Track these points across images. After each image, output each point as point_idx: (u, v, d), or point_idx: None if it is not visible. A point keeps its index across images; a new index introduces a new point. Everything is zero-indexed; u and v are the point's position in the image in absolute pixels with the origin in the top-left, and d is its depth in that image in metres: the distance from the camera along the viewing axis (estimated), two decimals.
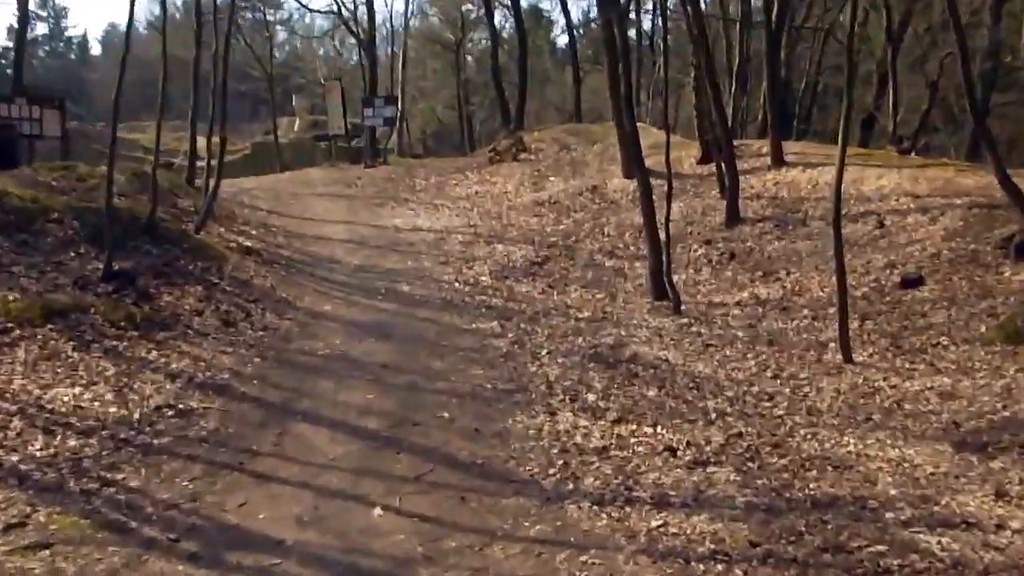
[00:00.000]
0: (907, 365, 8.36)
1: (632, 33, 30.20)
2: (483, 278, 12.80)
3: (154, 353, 8.07)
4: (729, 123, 17.45)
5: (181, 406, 6.79)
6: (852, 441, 6.23)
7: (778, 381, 8.11)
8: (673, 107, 35.96)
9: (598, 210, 17.53)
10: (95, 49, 69.51)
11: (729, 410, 7.07)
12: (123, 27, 42.76)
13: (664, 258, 11.60)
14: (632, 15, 30.65)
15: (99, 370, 7.39)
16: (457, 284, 12.29)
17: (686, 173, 18.08)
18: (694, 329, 10.24)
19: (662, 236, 11.79)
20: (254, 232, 14.73)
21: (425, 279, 12.50)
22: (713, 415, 6.90)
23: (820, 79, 28.05)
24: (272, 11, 45.17)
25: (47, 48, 69.98)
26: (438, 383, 7.74)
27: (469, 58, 45.49)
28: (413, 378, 7.91)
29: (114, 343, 8.07)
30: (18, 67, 21.86)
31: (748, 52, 20.65)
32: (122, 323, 8.42)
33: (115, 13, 77.54)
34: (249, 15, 42.26)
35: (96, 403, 6.67)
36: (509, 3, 37.86)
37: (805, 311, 10.65)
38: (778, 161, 16.41)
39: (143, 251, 10.47)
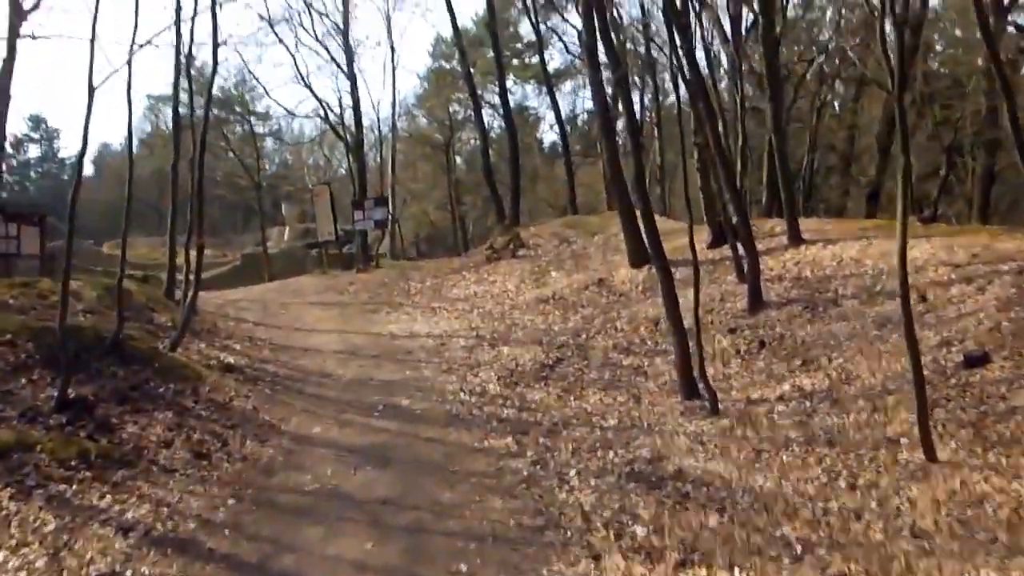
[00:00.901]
0: (1003, 460, 7.04)
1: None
2: (491, 386, 11.51)
3: (108, 499, 6.73)
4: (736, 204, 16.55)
5: (129, 573, 5.40)
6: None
7: (857, 493, 6.76)
8: (668, 193, 35.69)
9: (607, 304, 16.44)
10: (88, 169, 69.87)
11: (815, 538, 5.71)
12: (115, 147, 42.74)
13: (695, 351, 10.39)
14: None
15: (36, 525, 6.05)
16: (463, 394, 11.00)
17: (697, 259, 17.10)
18: (738, 432, 8.91)
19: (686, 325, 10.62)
20: (237, 347, 13.51)
21: (426, 391, 11.21)
22: (798, 547, 5.53)
23: (816, 156, 27.65)
24: (260, 122, 45.26)
25: (39, 169, 70.44)
26: (449, 522, 6.38)
27: (458, 159, 45.53)
28: (419, 516, 6.54)
29: (61, 488, 6.74)
30: None
31: (746, 132, 20.06)
32: (73, 462, 7.12)
33: (107, 134, 78.69)
34: (239, 128, 42.17)
35: (22, 574, 5.29)
36: (498, 102, 38.17)
37: (860, 402, 9.34)
38: (796, 239, 15.45)
39: (107, 374, 9.22)
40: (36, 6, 18.07)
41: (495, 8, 31.48)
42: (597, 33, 14.16)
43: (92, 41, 8.50)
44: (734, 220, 14.52)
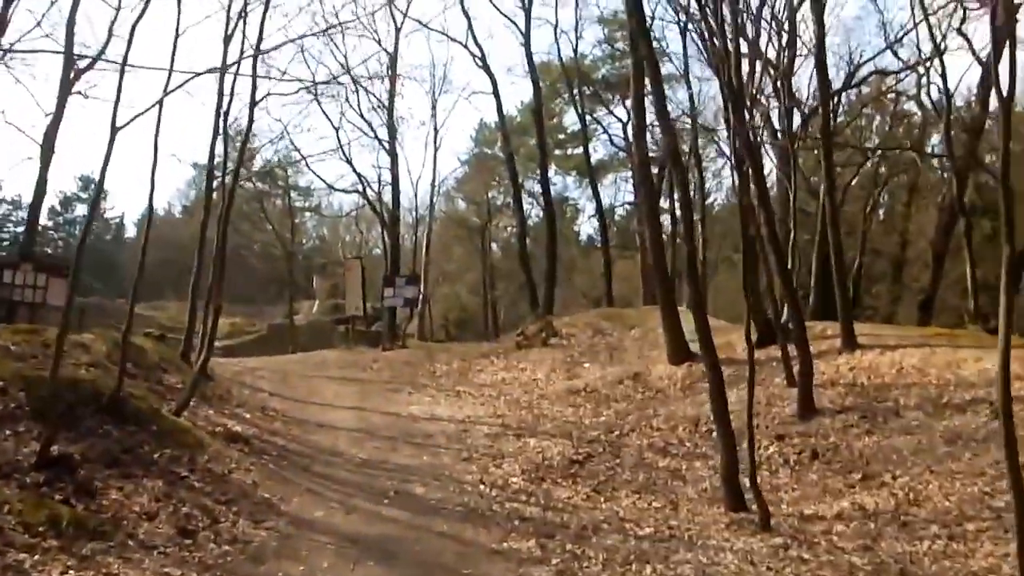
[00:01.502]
0: None
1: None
2: (514, 479, 10.52)
3: (70, 575, 5.85)
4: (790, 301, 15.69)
5: None
6: None
7: None
8: (705, 290, 34.78)
9: (642, 400, 15.47)
10: (131, 231, 71.15)
11: None
12: (159, 211, 43.21)
13: (741, 456, 9.40)
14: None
15: None
16: (482, 487, 10.01)
17: (740, 359, 16.16)
18: (793, 553, 7.81)
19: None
20: (248, 416, 12.72)
21: (443, 479, 10.25)
22: None
23: (864, 261, 26.82)
24: (301, 197, 45.67)
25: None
26: None
27: (494, 245, 45.33)
28: None
29: (21, 557, 5.89)
30: (29, 234, 20.93)
31: (796, 230, 19.32)
32: (41, 528, 6.29)
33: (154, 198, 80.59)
34: (278, 201, 42.56)
35: None
36: (538, 190, 38.15)
37: (934, 528, 8.22)
38: (850, 343, 14.46)
39: (100, 433, 8.43)
40: (91, 66, 18.22)
41: (541, 97, 31.70)
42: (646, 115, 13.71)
43: (121, 77, 8.09)
44: (783, 318, 13.66)
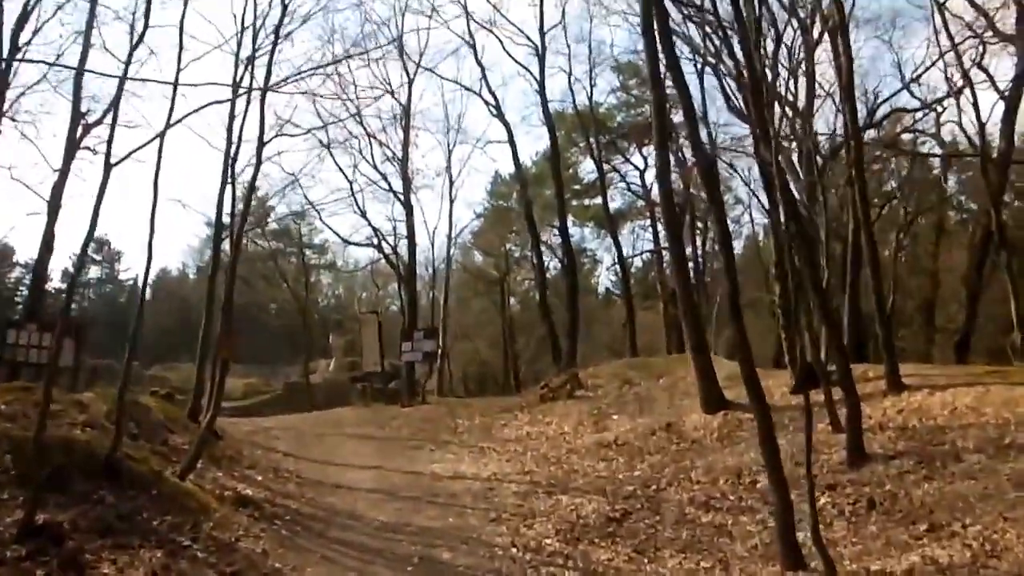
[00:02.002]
0: None
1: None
2: (548, 541, 9.64)
3: None
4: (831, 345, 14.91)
5: None
6: None
7: None
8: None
9: (677, 452, 14.57)
10: (146, 293, 71.01)
11: None
12: (172, 272, 43.21)
13: (803, 510, 8.49)
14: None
15: None
16: (514, 550, 9.13)
17: (779, 405, 15.33)
18: None
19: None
20: (259, 478, 11.96)
21: (472, 543, 9.38)
22: None
23: (894, 300, 25.94)
24: (316, 256, 45.53)
25: (99, 291, 71.86)
26: None
27: (512, 299, 44.71)
28: None
29: None
30: (34, 294, 20.40)
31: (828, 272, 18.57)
32: None
33: (166, 259, 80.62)
34: (293, 259, 42.38)
35: None
36: (555, 242, 37.67)
37: None
38: (896, 385, 13.60)
39: (94, 498, 7.70)
40: (99, 121, 17.96)
41: (558, 144, 31.40)
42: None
43: (115, 117, 7.61)
44: (822, 357, 12.83)
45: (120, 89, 9.08)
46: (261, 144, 12.11)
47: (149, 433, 11.42)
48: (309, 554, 8.51)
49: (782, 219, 12.96)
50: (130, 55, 10.26)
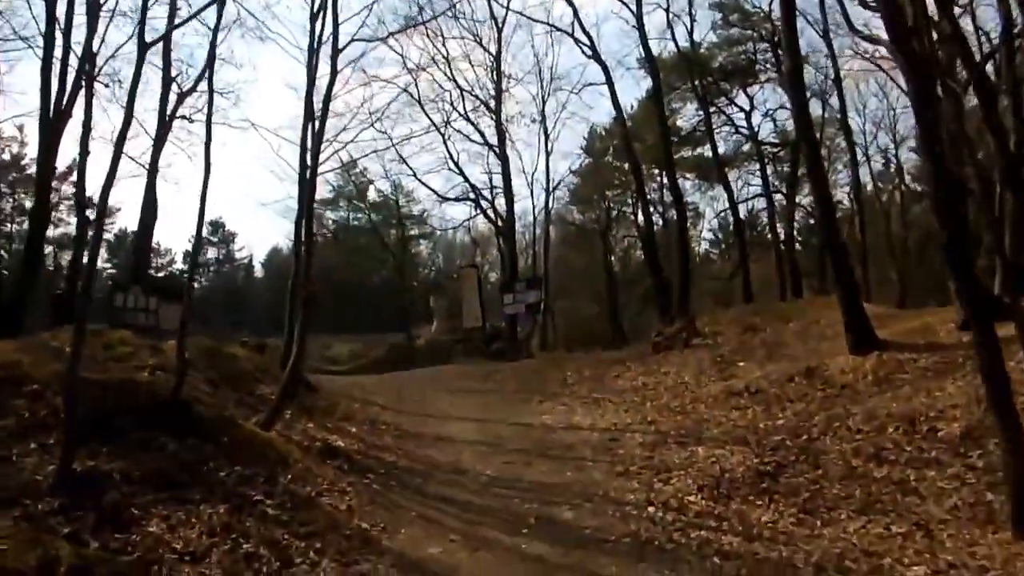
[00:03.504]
0: None
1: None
2: (691, 498, 7.94)
3: None
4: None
5: None
6: None
7: None
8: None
9: (825, 399, 12.48)
10: (259, 271, 72.79)
11: None
12: (284, 251, 43.49)
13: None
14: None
15: None
16: (651, 509, 7.48)
17: (943, 343, 13.11)
18: None
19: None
20: (353, 429, 10.74)
21: (596, 500, 7.78)
22: None
23: None
24: (415, 227, 45.05)
25: (216, 270, 74.21)
26: None
27: (612, 258, 42.83)
28: None
29: None
30: (139, 256, 20.05)
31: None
32: None
33: (278, 238, 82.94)
34: (393, 232, 42.12)
35: None
36: (657, 195, 35.47)
37: None
38: None
39: (153, 447, 6.50)
40: (192, 90, 17.45)
41: (660, 81, 29.06)
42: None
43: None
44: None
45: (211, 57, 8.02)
46: (335, 51, 10.73)
47: (234, 382, 10.34)
48: (403, 512, 7.12)
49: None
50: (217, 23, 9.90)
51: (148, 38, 15.16)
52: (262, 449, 7.42)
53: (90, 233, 13.32)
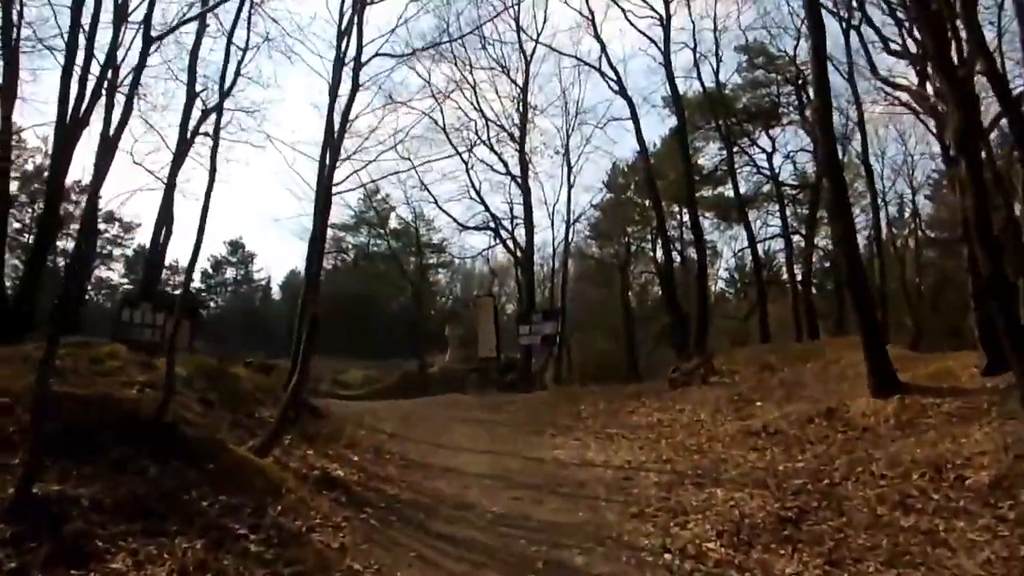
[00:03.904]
0: None
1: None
2: (709, 545, 7.38)
3: None
4: None
5: None
6: None
7: None
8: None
9: (845, 441, 11.89)
10: (277, 293, 72.87)
11: None
12: (302, 274, 43.67)
13: None
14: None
15: None
16: (668, 556, 6.93)
17: (965, 389, 12.59)
18: None
19: None
20: (356, 458, 10.27)
21: (609, 544, 7.24)
22: None
23: None
24: (435, 255, 44.92)
25: (234, 291, 74.32)
26: None
27: (629, 294, 42.46)
28: None
29: None
30: (150, 273, 19.83)
31: None
32: None
33: (296, 261, 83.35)
34: (412, 260, 41.98)
35: None
36: (676, 232, 35.19)
37: None
38: None
39: (133, 469, 6.06)
40: (217, 107, 17.41)
41: (684, 118, 28.82)
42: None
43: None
44: None
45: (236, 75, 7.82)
46: (349, 107, 10.54)
47: (233, 403, 9.92)
48: (401, 551, 6.61)
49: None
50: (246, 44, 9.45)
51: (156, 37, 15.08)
52: (252, 477, 6.95)
53: (70, 243, 13.07)
